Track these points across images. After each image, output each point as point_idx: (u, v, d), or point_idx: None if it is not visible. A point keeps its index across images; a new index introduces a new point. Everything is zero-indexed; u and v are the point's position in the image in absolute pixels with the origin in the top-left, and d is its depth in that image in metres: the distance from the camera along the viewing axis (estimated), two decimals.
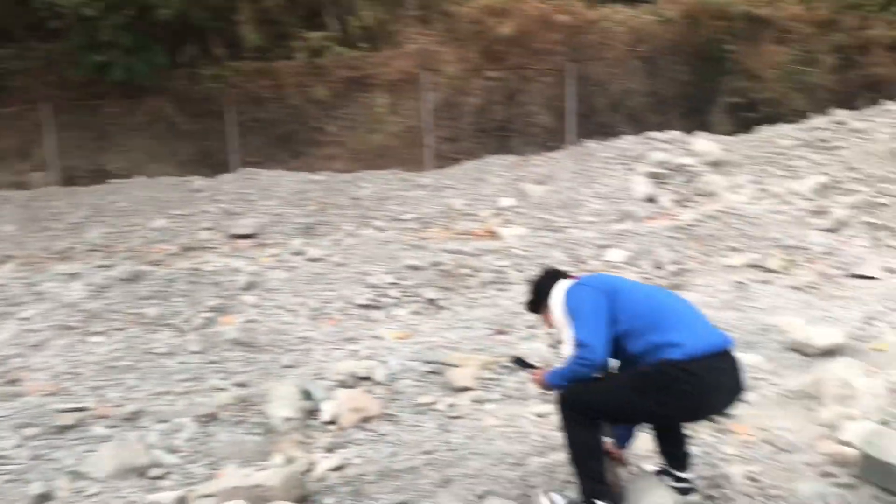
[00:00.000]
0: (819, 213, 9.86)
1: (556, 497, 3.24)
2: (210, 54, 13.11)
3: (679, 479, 3.31)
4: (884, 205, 10.07)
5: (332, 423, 4.48)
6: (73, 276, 8.25)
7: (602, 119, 13.15)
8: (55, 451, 4.31)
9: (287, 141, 13.80)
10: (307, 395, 4.67)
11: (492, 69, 12.71)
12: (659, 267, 8.84)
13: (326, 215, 11.33)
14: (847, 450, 3.57)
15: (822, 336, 5.12)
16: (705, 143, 11.57)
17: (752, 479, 3.51)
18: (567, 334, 3.15)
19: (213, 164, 13.52)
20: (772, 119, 12.46)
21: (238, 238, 10.99)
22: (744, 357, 4.55)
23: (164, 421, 4.77)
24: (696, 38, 12.89)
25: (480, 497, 3.52)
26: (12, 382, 6.13)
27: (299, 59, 13.08)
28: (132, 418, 4.82)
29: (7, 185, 12.95)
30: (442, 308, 8.13)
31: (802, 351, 5.15)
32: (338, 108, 13.54)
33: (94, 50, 12.43)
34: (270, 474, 3.57)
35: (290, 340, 7.16)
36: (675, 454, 3.35)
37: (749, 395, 4.49)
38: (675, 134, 11.84)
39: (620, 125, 13.14)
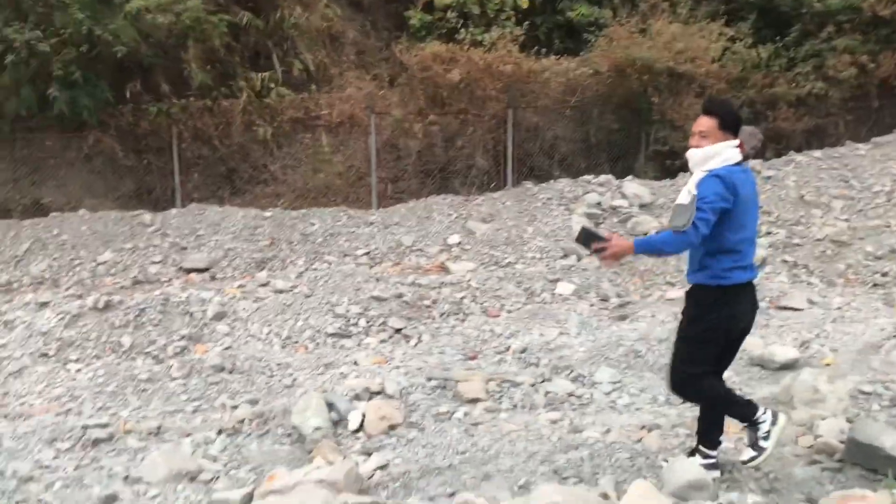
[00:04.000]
0: None
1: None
2: (155, 91, 13.20)
3: (708, 457, 3.90)
4: (798, 245, 11.10)
5: (359, 430, 4.81)
6: (43, 305, 8.23)
7: (536, 163, 13.92)
8: (98, 460, 4.48)
9: (230, 178, 13.96)
10: (330, 406, 4.99)
11: (435, 113, 13.31)
12: (605, 299, 9.49)
13: (278, 250, 11.55)
14: (830, 441, 4.18)
15: (781, 353, 5.82)
16: (635, 187, 12.45)
17: (755, 468, 4.06)
18: (692, 188, 3.73)
19: (154, 200, 13.53)
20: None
21: (191, 272, 11.07)
22: None
23: (189, 434, 4.98)
24: (624, 89, 13.88)
25: (522, 487, 3.94)
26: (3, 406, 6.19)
27: (244, 98, 13.34)
28: (157, 433, 5.02)
29: None
30: (408, 336, 8.51)
31: (764, 365, 5.84)
32: (282, 147, 13.83)
33: (34, 84, 12.37)
34: (331, 471, 3.89)
35: (271, 366, 7.39)
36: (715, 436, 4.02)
37: None
38: (608, 178, 12.69)
39: (553, 169, 13.96)
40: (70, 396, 6.04)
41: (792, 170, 13.13)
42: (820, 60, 14.25)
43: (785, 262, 10.67)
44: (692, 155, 3.87)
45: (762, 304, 9.46)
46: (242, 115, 13.39)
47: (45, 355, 7.24)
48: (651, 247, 3.95)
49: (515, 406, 5.16)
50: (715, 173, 3.74)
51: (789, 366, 5.74)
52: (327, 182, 13.73)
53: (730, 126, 3.85)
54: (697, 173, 3.81)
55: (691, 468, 3.58)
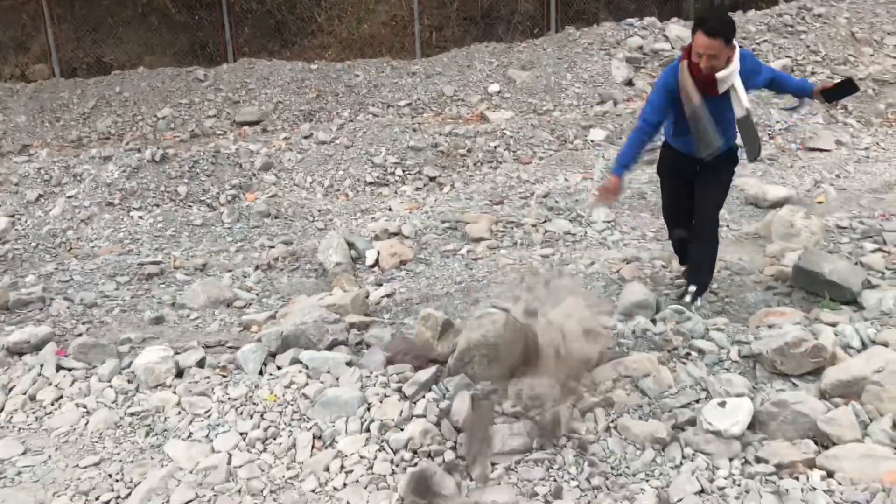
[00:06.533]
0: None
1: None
2: None
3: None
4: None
5: (374, 265, 5.47)
6: (106, 159, 9.00)
7: (582, 6, 13.80)
8: (150, 291, 5.27)
9: (279, 31, 14.29)
10: (351, 245, 5.63)
11: None
12: None
13: (325, 102, 12.03)
14: (787, 269, 4.62)
15: (773, 191, 6.15)
16: (678, 29, 12.32)
17: (713, 293, 4.56)
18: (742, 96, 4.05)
19: (209, 55, 14.02)
20: (742, 5, 13.19)
21: (243, 125, 11.70)
22: None
23: (230, 270, 5.72)
24: None
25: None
26: (70, 249, 7.06)
27: None
28: (203, 269, 5.78)
29: (10, 78, 13.41)
30: (442, 185, 9.04)
31: (757, 204, 6.20)
32: None
33: None
34: (341, 297, 4.56)
35: (312, 212, 8.08)
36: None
37: None
38: (652, 20, 12.56)
39: (599, 12, 13.82)
40: (132, 239, 6.85)
41: (846, 6, 12.72)
42: None
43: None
44: (723, 78, 3.96)
45: (792, 146, 9.67)
46: None
47: (110, 204, 8.05)
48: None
49: (515, 243, 5.71)
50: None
51: (780, 203, 6.08)
52: (372, 32, 13.95)
53: (733, 38, 3.99)
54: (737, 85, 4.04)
55: (638, 291, 4.10)
